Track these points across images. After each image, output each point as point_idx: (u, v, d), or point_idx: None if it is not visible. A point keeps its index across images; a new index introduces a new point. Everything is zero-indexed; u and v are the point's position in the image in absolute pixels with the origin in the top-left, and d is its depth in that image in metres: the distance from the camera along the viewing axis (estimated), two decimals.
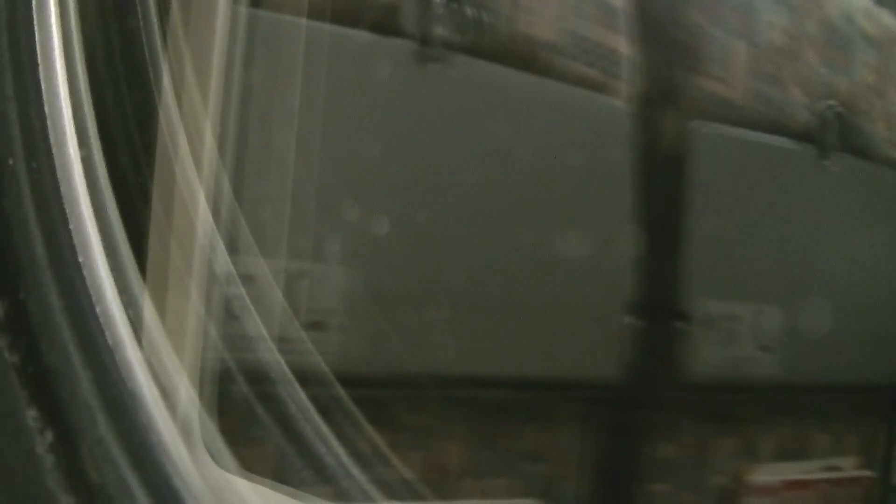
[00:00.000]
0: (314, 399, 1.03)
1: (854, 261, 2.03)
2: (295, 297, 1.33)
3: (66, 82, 0.77)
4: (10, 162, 0.75)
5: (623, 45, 1.75)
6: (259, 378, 1.01)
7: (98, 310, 0.74)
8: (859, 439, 2.19)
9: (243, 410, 0.98)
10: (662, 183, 1.80)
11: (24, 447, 0.71)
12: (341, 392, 1.15)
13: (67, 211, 0.75)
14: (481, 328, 1.55)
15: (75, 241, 0.75)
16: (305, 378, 1.05)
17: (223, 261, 0.95)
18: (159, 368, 0.77)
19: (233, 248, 0.99)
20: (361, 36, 1.44)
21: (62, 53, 0.78)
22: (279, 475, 0.98)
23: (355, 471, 1.02)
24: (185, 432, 0.78)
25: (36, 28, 0.77)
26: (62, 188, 0.75)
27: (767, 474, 2.00)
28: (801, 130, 1.99)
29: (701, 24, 1.88)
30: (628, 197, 1.71)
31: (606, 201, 1.72)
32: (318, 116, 1.27)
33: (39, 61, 0.77)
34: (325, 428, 1.02)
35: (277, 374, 1.02)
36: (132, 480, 0.71)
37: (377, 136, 1.45)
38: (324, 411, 1.04)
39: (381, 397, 1.43)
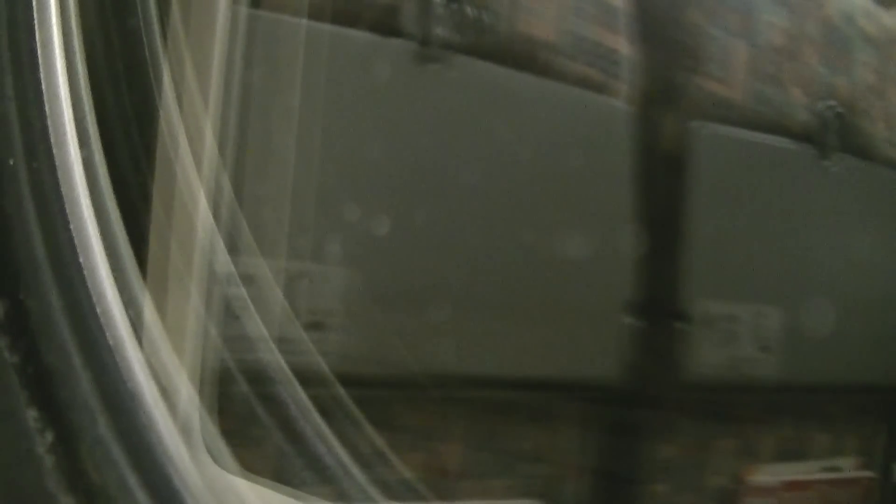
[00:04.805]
0: (314, 399, 1.03)
1: (854, 261, 2.03)
2: (295, 297, 1.33)
3: (66, 82, 0.77)
4: (11, 162, 0.75)
5: (623, 46, 1.75)
6: (259, 378, 1.01)
7: (98, 310, 0.74)
8: (859, 440, 2.19)
9: (243, 411, 0.98)
10: (662, 183, 1.80)
11: (25, 447, 0.71)
12: (341, 392, 1.15)
13: (68, 211, 0.75)
14: (481, 328, 1.55)
15: (76, 241, 0.75)
16: (305, 378, 1.05)
17: (223, 261, 0.95)
18: (159, 368, 0.77)
19: (233, 249, 0.99)
20: (361, 36, 1.44)
21: (63, 53, 0.78)
22: (279, 475, 0.98)
23: (355, 471, 1.02)
24: (186, 432, 0.78)
25: (36, 28, 0.77)
26: (63, 188, 0.75)
27: (767, 475, 1.99)
28: (801, 131, 1.99)
29: (701, 25, 1.88)
30: (628, 197, 1.71)
31: (606, 201, 1.72)
32: (318, 117, 1.27)
33: (40, 61, 0.77)
34: (325, 428, 1.02)
35: (277, 375, 1.02)
36: (132, 481, 0.71)
37: (377, 136, 1.45)
38: (324, 412, 1.04)
39: (380, 397, 1.43)
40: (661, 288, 1.77)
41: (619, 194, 1.71)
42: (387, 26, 1.47)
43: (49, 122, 0.76)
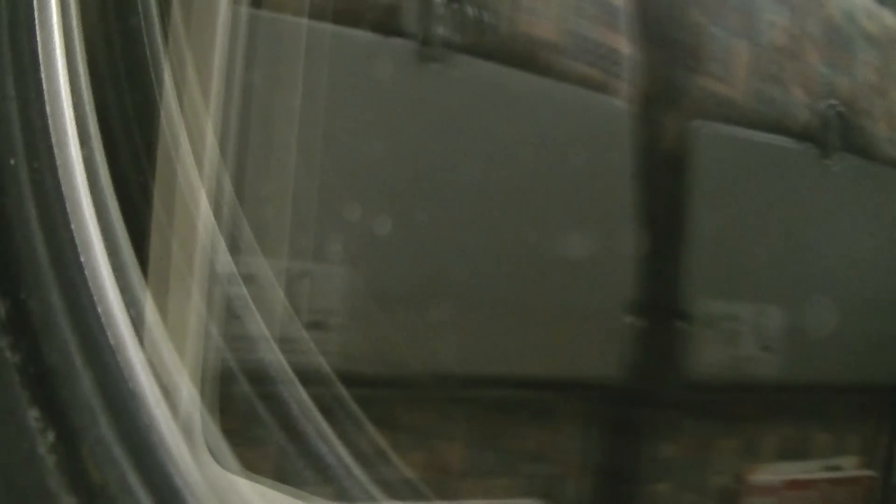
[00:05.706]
0: (315, 399, 1.03)
1: (855, 260, 2.03)
2: (296, 296, 1.33)
3: (67, 82, 0.77)
4: (12, 161, 0.75)
5: (624, 45, 1.75)
6: (260, 378, 1.01)
7: (99, 310, 0.74)
8: (860, 439, 2.19)
9: (245, 410, 0.98)
10: (663, 183, 1.80)
11: (26, 447, 0.71)
12: (342, 392, 1.15)
13: (69, 211, 0.75)
14: (482, 328, 1.55)
15: (77, 240, 0.75)
16: (307, 378, 1.05)
17: (224, 260, 0.95)
18: (161, 368, 0.77)
19: (234, 248, 0.99)
20: (362, 36, 1.44)
21: (63, 53, 0.78)
22: (281, 475, 0.98)
23: (357, 470, 1.02)
24: (187, 432, 0.78)
25: (37, 27, 0.77)
26: (63, 188, 0.75)
27: (769, 474, 1.99)
28: (803, 130, 1.99)
29: (702, 24, 1.88)
30: (629, 197, 1.71)
31: (607, 201, 1.72)
32: (318, 116, 1.27)
33: (41, 61, 0.77)
34: (326, 428, 1.02)
35: (279, 374, 1.02)
36: (134, 480, 0.71)
37: (378, 136, 1.45)
38: (325, 411, 1.04)
39: (382, 397, 1.43)
40: (662, 287, 1.77)
41: (621, 194, 1.71)
42: (388, 26, 1.47)
43: (50, 122, 0.76)
